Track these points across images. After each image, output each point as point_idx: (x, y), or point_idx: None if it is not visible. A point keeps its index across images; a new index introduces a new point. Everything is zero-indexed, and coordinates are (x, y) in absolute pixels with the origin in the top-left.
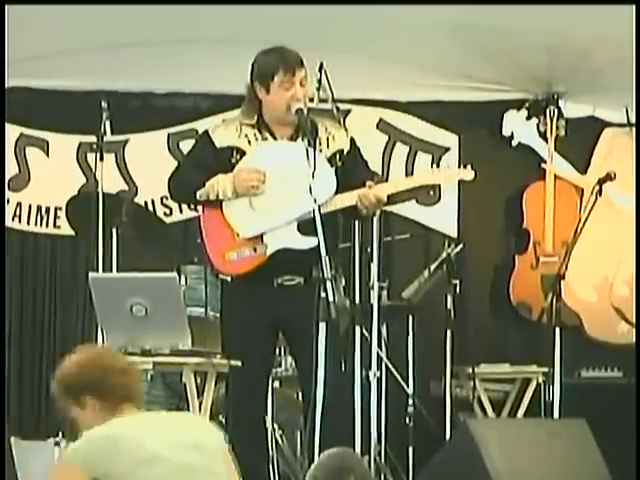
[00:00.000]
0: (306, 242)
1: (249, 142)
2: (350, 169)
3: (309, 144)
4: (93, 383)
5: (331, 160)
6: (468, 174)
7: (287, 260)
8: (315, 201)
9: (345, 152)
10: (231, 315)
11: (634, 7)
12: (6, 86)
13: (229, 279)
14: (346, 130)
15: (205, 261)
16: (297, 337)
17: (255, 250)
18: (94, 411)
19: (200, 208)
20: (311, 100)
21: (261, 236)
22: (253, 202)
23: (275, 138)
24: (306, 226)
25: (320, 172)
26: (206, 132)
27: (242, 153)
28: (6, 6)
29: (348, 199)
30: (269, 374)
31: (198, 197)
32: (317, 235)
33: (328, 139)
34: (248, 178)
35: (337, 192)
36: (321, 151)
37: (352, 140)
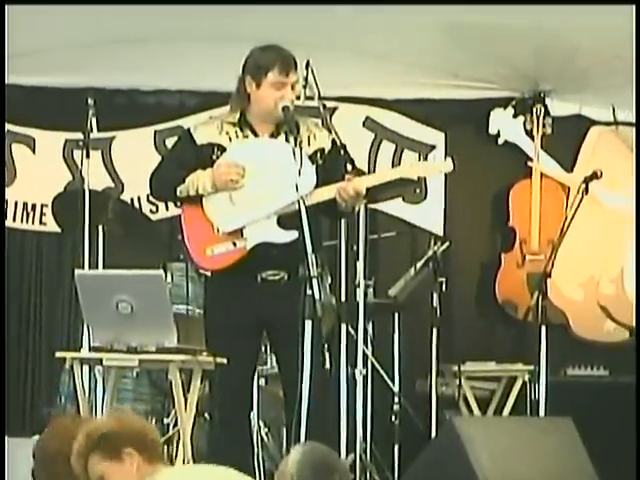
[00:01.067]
0: (286, 236)
1: (230, 139)
2: (331, 168)
3: (288, 141)
4: (135, 435)
5: (312, 158)
6: (447, 166)
7: (268, 255)
8: (301, 200)
9: (326, 151)
10: (215, 312)
11: (634, 7)
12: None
13: (209, 275)
14: (329, 131)
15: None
16: (281, 335)
17: (235, 244)
18: (133, 467)
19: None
20: (297, 98)
21: (241, 231)
22: (233, 197)
23: (256, 135)
24: (286, 220)
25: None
26: (187, 130)
27: (223, 150)
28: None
29: (327, 192)
30: (254, 372)
31: (178, 193)
32: (297, 229)
33: (309, 137)
34: (227, 172)
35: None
36: (302, 149)
37: (333, 141)
